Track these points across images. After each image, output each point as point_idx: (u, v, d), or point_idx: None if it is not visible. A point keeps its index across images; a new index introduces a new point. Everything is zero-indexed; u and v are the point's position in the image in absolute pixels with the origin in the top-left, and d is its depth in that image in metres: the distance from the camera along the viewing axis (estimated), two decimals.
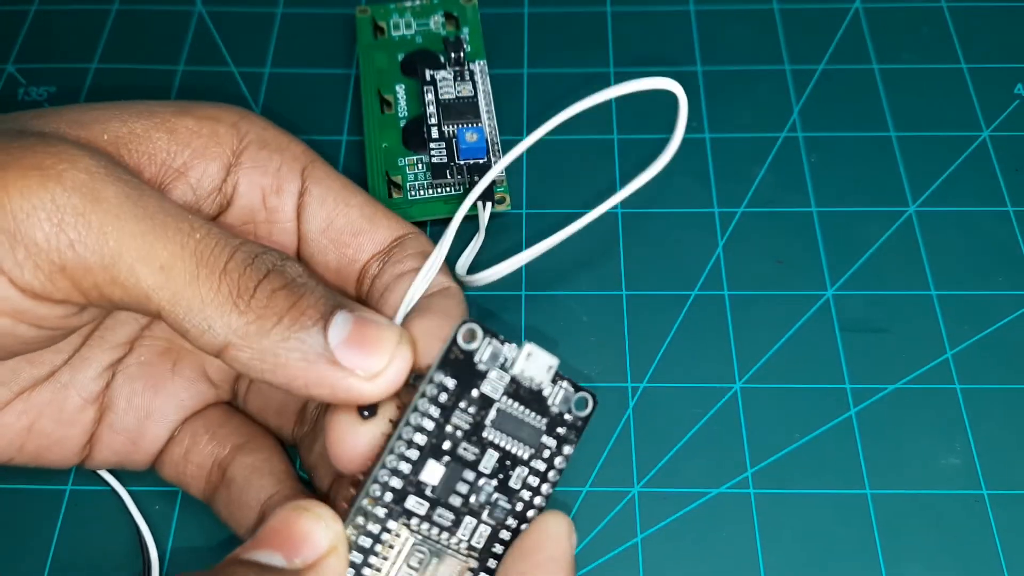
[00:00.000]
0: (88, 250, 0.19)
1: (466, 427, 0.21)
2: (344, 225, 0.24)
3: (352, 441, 0.21)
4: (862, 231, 0.30)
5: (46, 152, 0.19)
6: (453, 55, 0.33)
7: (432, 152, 0.31)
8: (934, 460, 0.26)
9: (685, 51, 0.34)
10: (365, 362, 0.20)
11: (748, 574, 0.25)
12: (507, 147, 0.32)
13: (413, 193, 0.30)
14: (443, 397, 0.20)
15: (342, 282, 0.24)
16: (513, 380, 0.21)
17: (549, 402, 0.21)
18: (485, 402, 0.21)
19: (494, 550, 0.21)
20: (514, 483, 0.21)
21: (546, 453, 0.21)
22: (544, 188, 0.31)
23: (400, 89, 0.33)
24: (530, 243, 0.30)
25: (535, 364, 0.21)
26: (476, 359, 0.21)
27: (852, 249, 0.30)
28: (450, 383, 0.20)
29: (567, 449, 0.21)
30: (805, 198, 0.31)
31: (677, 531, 0.25)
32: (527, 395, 0.21)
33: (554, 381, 0.21)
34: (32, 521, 0.25)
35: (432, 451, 0.21)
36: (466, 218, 0.30)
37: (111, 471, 0.26)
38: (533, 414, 0.21)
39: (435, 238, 0.30)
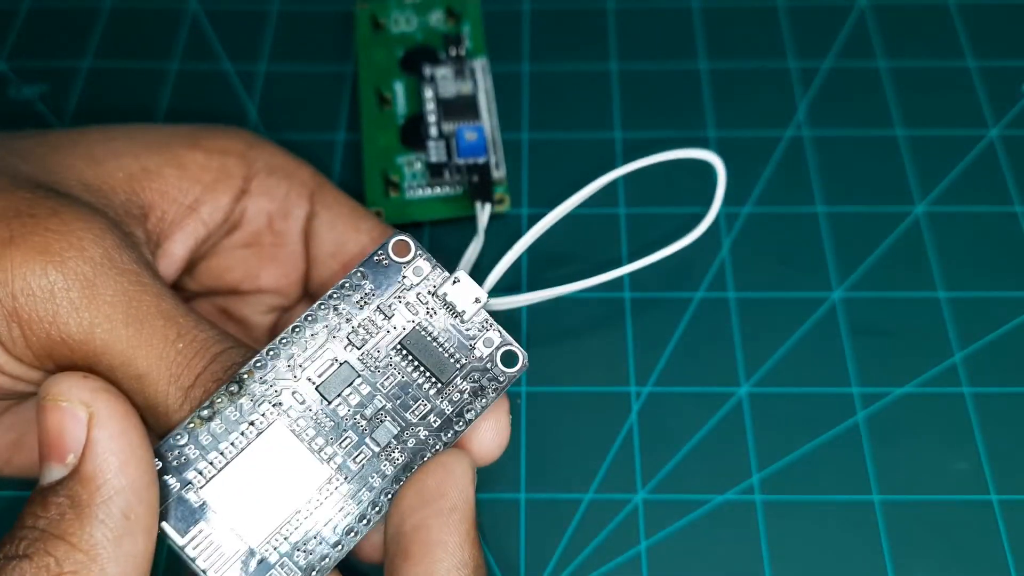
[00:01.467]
0: (75, 340, 0.19)
1: (371, 336, 0.21)
2: (355, 249, 0.25)
3: None
4: (869, 232, 0.30)
5: (56, 233, 0.20)
6: (453, 52, 0.32)
7: (431, 151, 0.30)
8: (942, 465, 0.26)
9: (688, 48, 0.34)
10: None
11: None
12: (507, 146, 0.32)
13: (410, 192, 0.30)
14: (356, 296, 0.21)
15: None
16: (434, 304, 0.21)
17: (473, 343, 0.21)
18: (399, 315, 0.21)
19: (371, 481, 0.20)
20: (411, 415, 0.20)
21: (456, 397, 0.21)
22: (544, 188, 0.31)
23: (399, 86, 0.32)
24: (532, 248, 0.29)
25: (461, 291, 0.21)
26: (401, 272, 0.21)
27: (859, 250, 0.29)
28: (368, 285, 0.21)
29: (481, 402, 0.21)
30: (811, 198, 0.31)
31: (682, 539, 0.25)
32: (448, 326, 0.21)
33: (484, 325, 0.21)
34: None
35: (329, 347, 0.20)
36: (467, 219, 0.30)
37: None
38: (452, 349, 0.21)
39: (435, 238, 0.30)
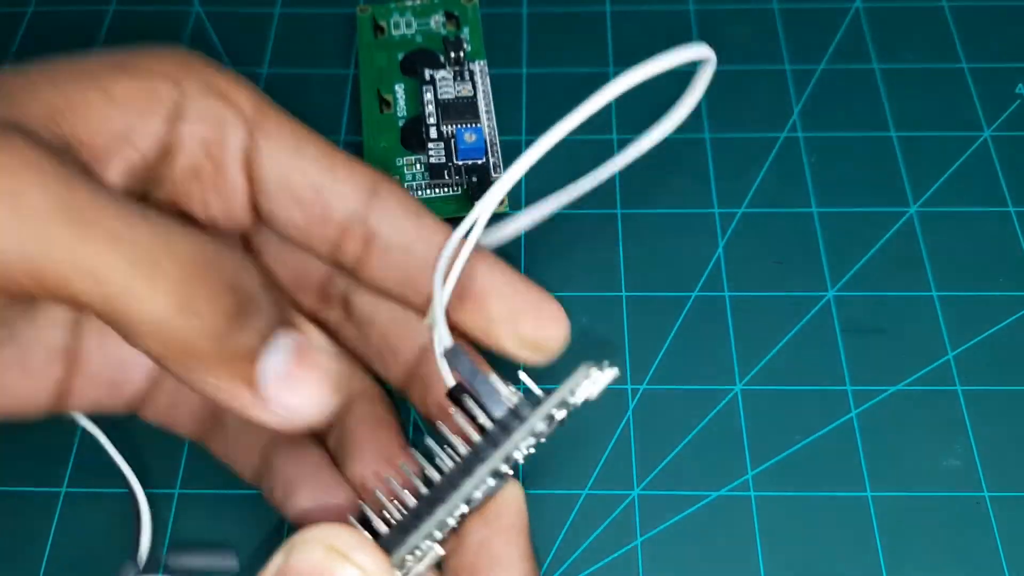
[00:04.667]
0: (9, 256, 0.18)
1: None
2: (301, 181, 0.22)
3: None
4: (863, 232, 0.30)
5: None
6: (453, 55, 0.32)
7: (430, 152, 0.30)
8: (935, 462, 0.26)
9: None
10: (289, 401, 0.19)
11: None
12: (506, 148, 0.32)
13: (411, 194, 0.30)
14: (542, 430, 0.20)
15: (313, 241, 0.23)
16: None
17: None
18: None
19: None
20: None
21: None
22: (543, 188, 0.31)
23: (399, 89, 0.32)
24: (530, 244, 0.30)
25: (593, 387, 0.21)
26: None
27: (853, 250, 0.30)
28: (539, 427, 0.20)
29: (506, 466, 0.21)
30: (806, 198, 0.31)
31: (677, 534, 0.25)
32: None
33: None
34: (26, 524, 0.25)
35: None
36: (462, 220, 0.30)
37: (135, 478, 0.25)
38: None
39: None
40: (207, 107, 0.22)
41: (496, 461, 0.20)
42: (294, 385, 0.19)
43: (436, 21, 0.34)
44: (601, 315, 0.29)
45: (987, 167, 0.31)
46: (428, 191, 0.30)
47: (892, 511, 0.25)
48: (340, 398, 0.20)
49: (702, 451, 0.26)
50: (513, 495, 0.21)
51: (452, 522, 0.20)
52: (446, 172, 0.30)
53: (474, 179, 0.30)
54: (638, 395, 0.27)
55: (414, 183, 0.30)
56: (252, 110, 0.23)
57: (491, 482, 0.20)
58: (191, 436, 0.24)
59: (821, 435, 0.26)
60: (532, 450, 0.20)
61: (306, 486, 0.23)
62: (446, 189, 0.30)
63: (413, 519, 0.20)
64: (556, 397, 0.20)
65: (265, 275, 0.20)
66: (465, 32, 0.34)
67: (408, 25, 0.34)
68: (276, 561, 0.19)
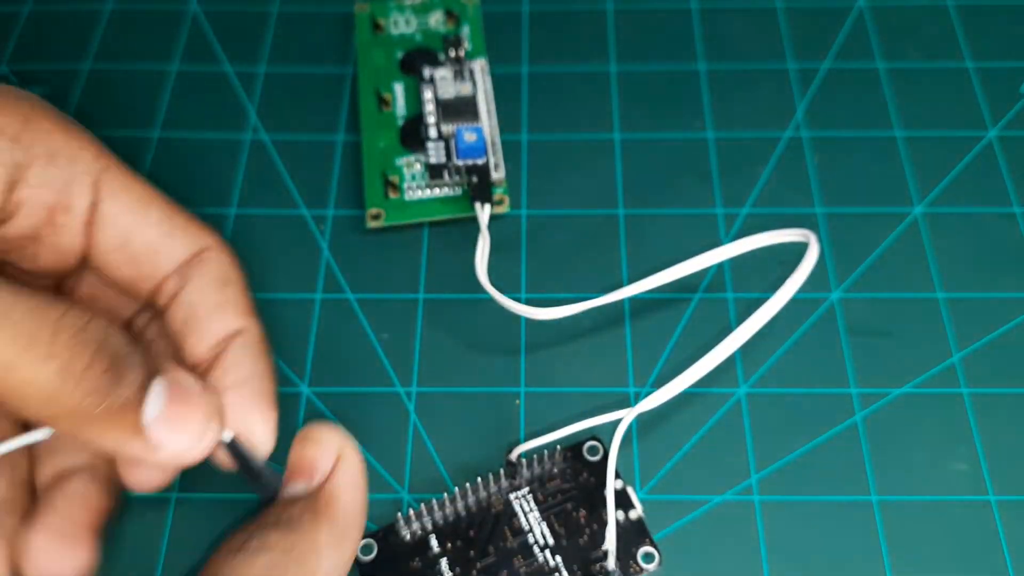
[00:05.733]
0: None
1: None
2: (141, 244, 0.23)
3: None
4: (867, 233, 0.30)
5: None
6: (453, 53, 0.32)
7: (430, 152, 0.30)
8: (941, 465, 0.26)
9: (687, 49, 0.34)
10: (174, 442, 0.20)
11: None
12: (506, 147, 0.32)
13: (410, 194, 0.30)
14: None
15: (132, 289, 0.24)
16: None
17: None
18: None
19: None
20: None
21: None
22: (543, 189, 0.31)
23: (398, 87, 0.32)
24: (530, 244, 0.30)
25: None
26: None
27: (857, 251, 0.29)
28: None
29: None
30: (809, 199, 0.31)
31: (680, 539, 0.25)
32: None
33: None
34: None
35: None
36: (466, 220, 0.30)
37: None
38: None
39: (434, 239, 0.30)
40: (53, 173, 0.22)
41: None
42: (176, 424, 0.20)
43: (436, 19, 0.34)
44: (603, 317, 0.28)
45: (992, 167, 0.31)
46: (427, 191, 0.30)
47: (898, 515, 0.25)
48: (219, 426, 0.21)
49: (705, 455, 0.26)
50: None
51: None
52: (446, 172, 0.30)
53: (474, 179, 0.29)
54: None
55: (413, 183, 0.30)
56: (99, 171, 0.23)
57: None
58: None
59: (826, 438, 0.26)
60: None
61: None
62: (446, 189, 0.30)
63: None
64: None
65: (131, 335, 0.21)
66: (465, 30, 0.33)
67: (407, 23, 0.34)
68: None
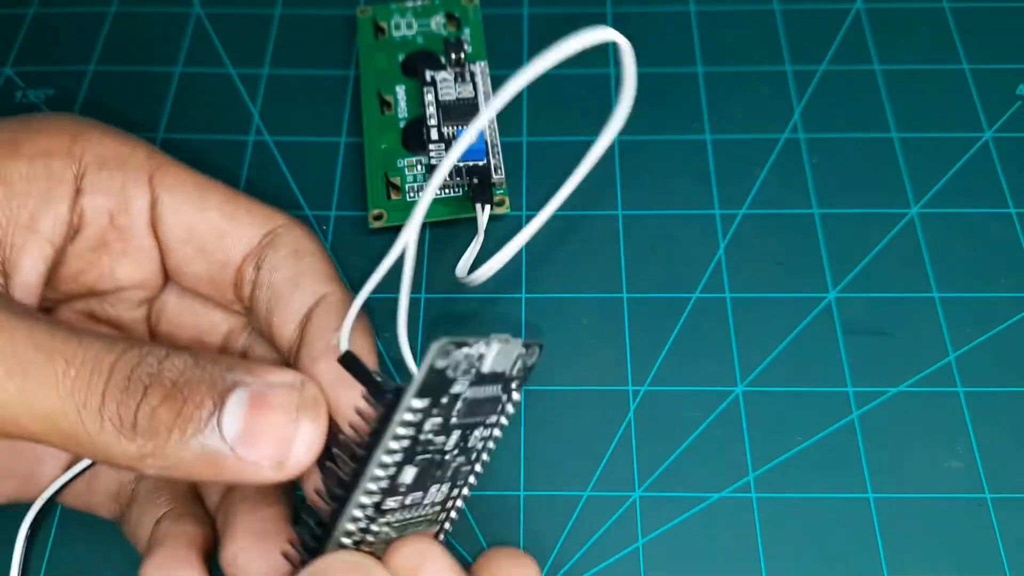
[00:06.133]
0: None
1: (437, 428, 0.20)
2: (206, 231, 0.23)
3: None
4: (864, 233, 0.30)
5: None
6: (454, 56, 0.32)
7: (431, 154, 0.30)
8: (937, 464, 0.26)
9: (686, 52, 0.34)
10: (268, 452, 0.19)
11: None
12: (507, 149, 0.32)
13: (412, 195, 0.30)
14: (417, 417, 0.19)
15: (218, 291, 0.23)
16: (481, 375, 0.20)
17: (507, 373, 0.21)
18: (454, 400, 0.20)
19: (448, 504, 0.22)
20: (471, 443, 0.21)
21: (499, 407, 0.22)
22: (543, 190, 0.31)
23: (400, 90, 0.32)
24: (530, 245, 0.30)
25: (504, 358, 0.21)
26: (448, 373, 0.19)
27: (854, 251, 0.30)
28: (423, 403, 0.19)
29: (516, 396, 0.22)
30: (807, 200, 0.31)
31: (679, 536, 0.25)
32: (491, 377, 0.21)
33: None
34: None
35: (406, 460, 0.20)
36: (467, 220, 0.30)
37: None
38: (493, 387, 0.21)
39: (435, 240, 0.30)
40: (107, 177, 0.22)
41: (386, 440, 0.19)
42: (257, 432, 0.19)
43: (437, 22, 0.34)
44: (602, 316, 0.29)
45: (988, 168, 0.31)
46: None
47: (894, 513, 0.25)
48: (314, 418, 0.20)
49: (703, 453, 0.26)
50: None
51: (365, 500, 0.20)
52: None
53: (475, 180, 0.30)
54: (639, 396, 0.27)
55: (415, 184, 0.30)
56: (152, 168, 0.23)
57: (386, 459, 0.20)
58: (110, 516, 0.24)
59: (822, 437, 0.26)
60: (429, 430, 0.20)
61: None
62: (447, 190, 0.30)
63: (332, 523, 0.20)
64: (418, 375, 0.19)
65: (199, 354, 0.20)
66: (466, 33, 0.34)
67: (409, 26, 0.34)
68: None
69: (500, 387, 0.21)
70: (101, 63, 0.34)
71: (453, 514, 0.23)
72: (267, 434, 0.19)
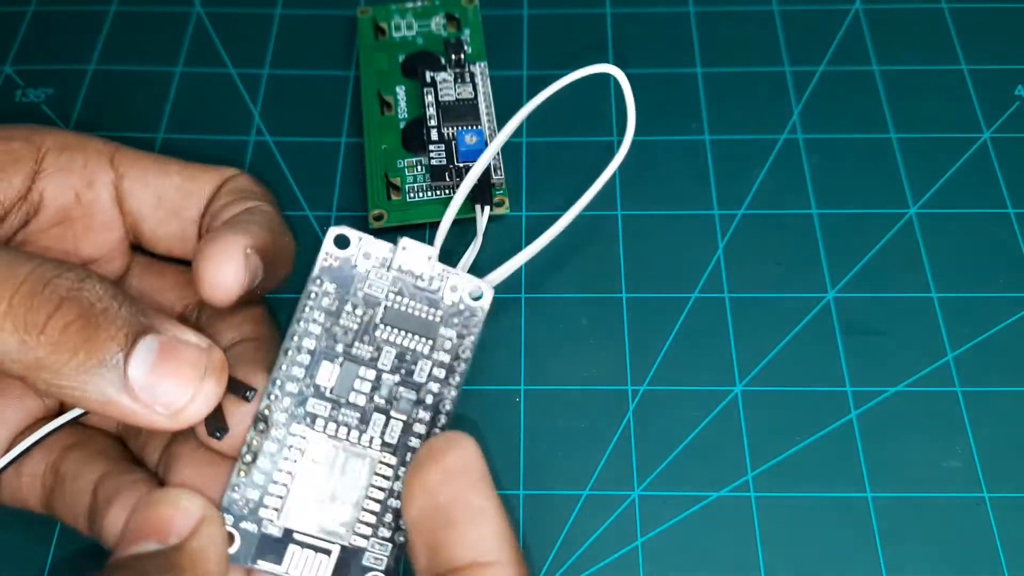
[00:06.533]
0: None
1: (354, 327, 0.22)
2: (172, 193, 0.24)
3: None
4: (863, 233, 0.30)
5: None
6: (454, 57, 0.32)
7: (431, 154, 0.30)
8: (935, 463, 0.26)
9: (685, 53, 0.34)
10: (166, 398, 0.20)
11: None
12: (506, 150, 0.32)
13: (412, 195, 0.30)
14: (325, 302, 0.21)
15: (188, 249, 0.25)
16: (396, 277, 0.22)
17: (440, 294, 0.22)
18: (370, 301, 0.22)
19: (411, 444, 0.22)
20: (418, 376, 0.22)
21: (447, 345, 0.22)
22: (543, 191, 0.31)
23: (400, 91, 0.32)
24: (530, 244, 0.30)
25: (412, 256, 0.22)
26: (353, 262, 0.22)
27: (853, 251, 0.30)
28: (331, 288, 0.21)
29: (469, 339, 0.22)
30: (805, 200, 0.31)
31: (678, 535, 0.25)
32: (415, 290, 0.22)
33: (443, 275, 0.22)
34: None
35: (324, 353, 0.21)
36: (467, 221, 0.30)
37: None
38: (426, 307, 0.22)
39: (432, 239, 0.30)
40: (68, 159, 0.24)
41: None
42: (162, 380, 0.20)
43: (437, 23, 0.34)
44: (601, 316, 0.29)
45: (986, 169, 0.31)
46: (429, 192, 0.30)
47: (892, 512, 0.25)
48: (218, 381, 0.20)
49: (702, 452, 0.26)
50: (471, 448, 0.21)
51: (280, 381, 0.21)
52: (447, 174, 0.30)
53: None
54: (638, 396, 0.27)
55: (415, 184, 0.30)
56: (111, 151, 0.25)
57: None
58: (40, 505, 0.24)
59: (821, 436, 0.27)
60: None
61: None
62: (447, 191, 0.30)
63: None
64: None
65: (119, 289, 0.20)
66: (466, 34, 0.34)
67: (409, 27, 0.34)
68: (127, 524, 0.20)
69: (436, 311, 0.22)
70: (101, 62, 0.34)
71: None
72: (170, 385, 0.20)
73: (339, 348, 0.22)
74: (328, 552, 0.21)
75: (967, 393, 0.27)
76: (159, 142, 0.32)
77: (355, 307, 0.22)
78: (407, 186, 0.30)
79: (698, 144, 0.32)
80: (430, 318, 0.22)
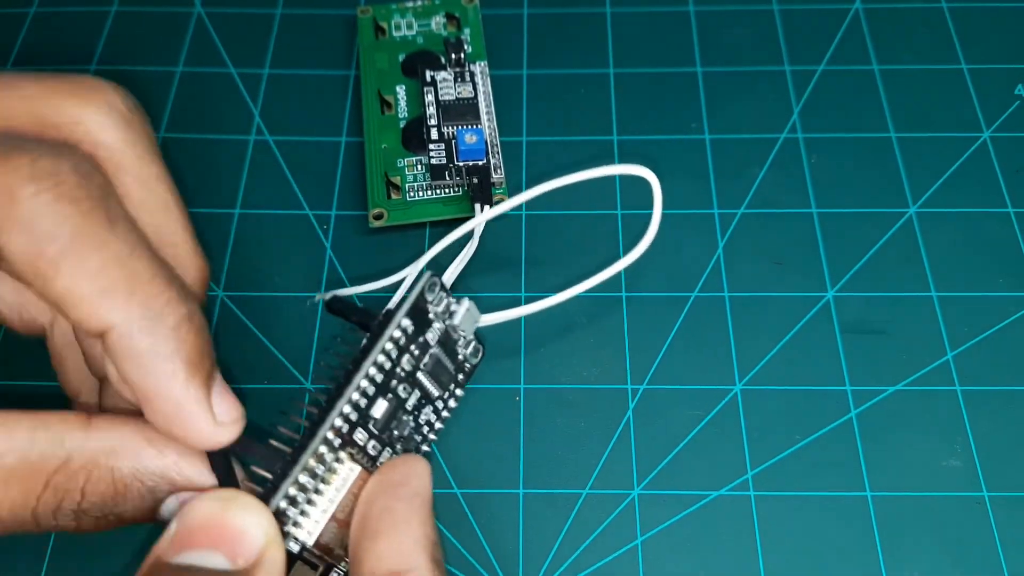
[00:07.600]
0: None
1: (409, 369, 0.23)
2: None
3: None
4: (862, 232, 0.30)
5: None
6: (454, 56, 0.33)
7: (431, 153, 0.30)
8: (935, 462, 0.26)
9: (685, 52, 0.34)
10: (225, 415, 0.20)
11: None
12: (506, 149, 0.32)
13: (412, 195, 0.30)
14: (403, 340, 0.22)
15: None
16: (447, 330, 0.24)
17: (458, 350, 0.24)
18: (426, 347, 0.23)
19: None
20: (422, 419, 0.24)
21: (447, 395, 0.24)
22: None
23: (400, 90, 0.33)
24: (530, 244, 0.30)
25: (470, 319, 0.24)
26: (430, 310, 0.23)
27: (852, 250, 0.30)
28: (409, 327, 0.22)
29: (459, 392, 0.25)
30: (805, 199, 0.31)
31: (677, 534, 0.25)
32: (450, 343, 0.24)
33: (470, 337, 0.24)
34: None
35: (383, 388, 0.22)
36: (466, 220, 0.30)
37: None
38: (449, 360, 0.24)
39: (435, 239, 0.30)
40: None
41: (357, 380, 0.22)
42: (223, 400, 0.20)
43: (437, 22, 0.34)
44: (601, 315, 0.29)
45: (986, 168, 0.32)
46: (429, 192, 0.30)
47: (892, 511, 0.25)
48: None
49: (702, 451, 0.26)
50: (420, 467, 0.22)
51: (348, 409, 0.21)
52: (447, 173, 0.30)
53: (475, 180, 0.30)
54: (638, 395, 0.27)
55: (415, 184, 0.30)
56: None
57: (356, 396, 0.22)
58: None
59: (821, 435, 0.27)
60: (401, 365, 0.23)
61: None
62: (447, 190, 0.30)
63: (289, 463, 0.21)
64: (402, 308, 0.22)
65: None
66: (466, 33, 0.34)
67: (409, 26, 0.34)
68: (172, 526, 0.19)
69: (453, 365, 0.24)
70: (102, 63, 0.34)
71: None
72: (226, 400, 0.20)
73: (392, 384, 0.22)
74: (316, 567, 0.22)
75: (967, 392, 0.27)
76: (159, 142, 0.32)
77: (417, 350, 0.23)
78: (407, 185, 0.30)
79: (698, 143, 0.32)
80: (451, 370, 0.24)
